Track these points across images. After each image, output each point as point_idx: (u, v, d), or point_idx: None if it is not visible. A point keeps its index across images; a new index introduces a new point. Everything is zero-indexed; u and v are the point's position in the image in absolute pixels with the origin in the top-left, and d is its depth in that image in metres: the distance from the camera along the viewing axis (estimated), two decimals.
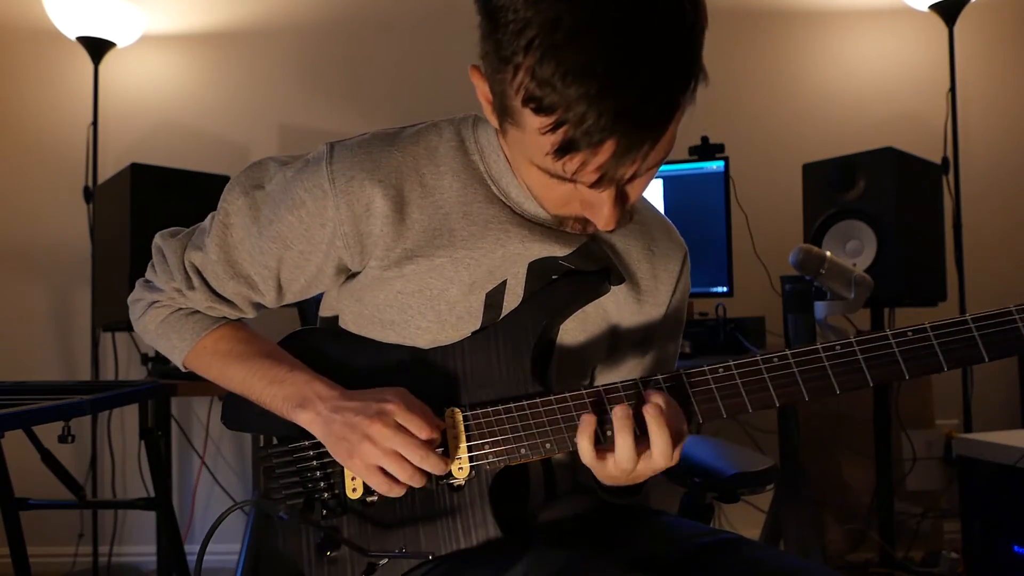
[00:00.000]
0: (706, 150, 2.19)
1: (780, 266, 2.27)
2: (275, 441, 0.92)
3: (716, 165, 2.16)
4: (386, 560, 0.84)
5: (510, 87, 0.69)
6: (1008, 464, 1.90)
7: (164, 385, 1.77)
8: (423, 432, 0.79)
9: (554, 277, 0.87)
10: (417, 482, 0.80)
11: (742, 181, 2.39)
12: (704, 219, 2.12)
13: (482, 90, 0.76)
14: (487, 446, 0.82)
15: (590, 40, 0.64)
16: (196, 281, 0.91)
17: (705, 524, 1.05)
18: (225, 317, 0.96)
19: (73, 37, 2.41)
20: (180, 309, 0.95)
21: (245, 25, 2.67)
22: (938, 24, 2.49)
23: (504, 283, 0.86)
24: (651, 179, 0.78)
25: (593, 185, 0.72)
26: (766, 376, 0.77)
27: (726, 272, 2.10)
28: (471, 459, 0.82)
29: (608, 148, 0.67)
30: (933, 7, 2.44)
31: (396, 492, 0.81)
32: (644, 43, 0.65)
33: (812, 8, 2.72)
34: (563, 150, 0.68)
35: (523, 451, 0.81)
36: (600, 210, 0.76)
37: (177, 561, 1.81)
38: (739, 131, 2.57)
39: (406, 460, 0.79)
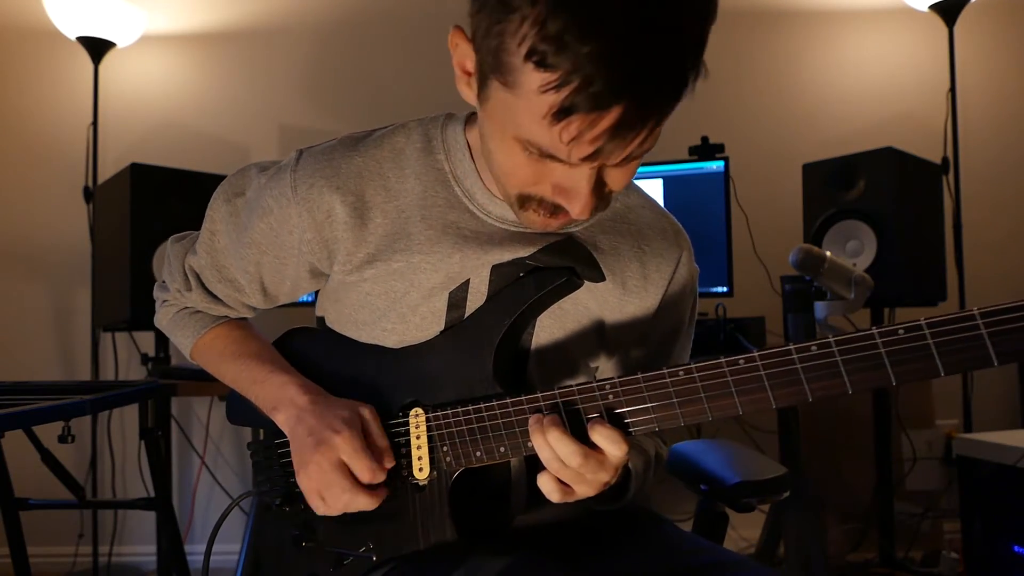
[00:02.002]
0: (706, 150, 2.19)
1: (780, 266, 2.27)
2: (262, 436, 0.97)
3: (716, 165, 2.16)
4: (351, 559, 0.86)
5: (512, 39, 0.63)
6: (1008, 464, 1.90)
7: (164, 385, 1.78)
8: (364, 475, 0.80)
9: (520, 275, 0.84)
10: (352, 510, 0.81)
11: (742, 181, 2.39)
12: (704, 219, 2.12)
13: (462, 53, 0.72)
14: (446, 447, 0.81)
15: None
16: (193, 283, 0.96)
17: (719, 533, 1.04)
18: (226, 316, 1.00)
19: (73, 37, 2.41)
20: (185, 308, 1.00)
21: (245, 25, 2.67)
22: (938, 24, 2.49)
23: (467, 283, 0.85)
24: (633, 173, 0.73)
25: (586, 159, 0.66)
26: (730, 379, 0.69)
27: (726, 272, 2.10)
28: (432, 460, 0.82)
29: (613, 115, 0.62)
30: (933, 7, 2.44)
31: (331, 513, 0.83)
32: (665, 9, 0.61)
33: (812, 8, 2.72)
34: (564, 112, 0.62)
35: (479, 454, 0.80)
36: (576, 195, 0.71)
37: (177, 561, 1.81)
38: (739, 131, 2.57)
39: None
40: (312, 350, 0.95)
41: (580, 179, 0.70)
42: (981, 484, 2.02)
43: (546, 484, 0.74)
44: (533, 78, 0.63)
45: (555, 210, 0.75)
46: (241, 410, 0.98)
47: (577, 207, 0.71)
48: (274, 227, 0.88)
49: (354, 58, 2.69)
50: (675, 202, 2.16)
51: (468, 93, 0.75)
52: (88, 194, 2.50)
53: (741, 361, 0.68)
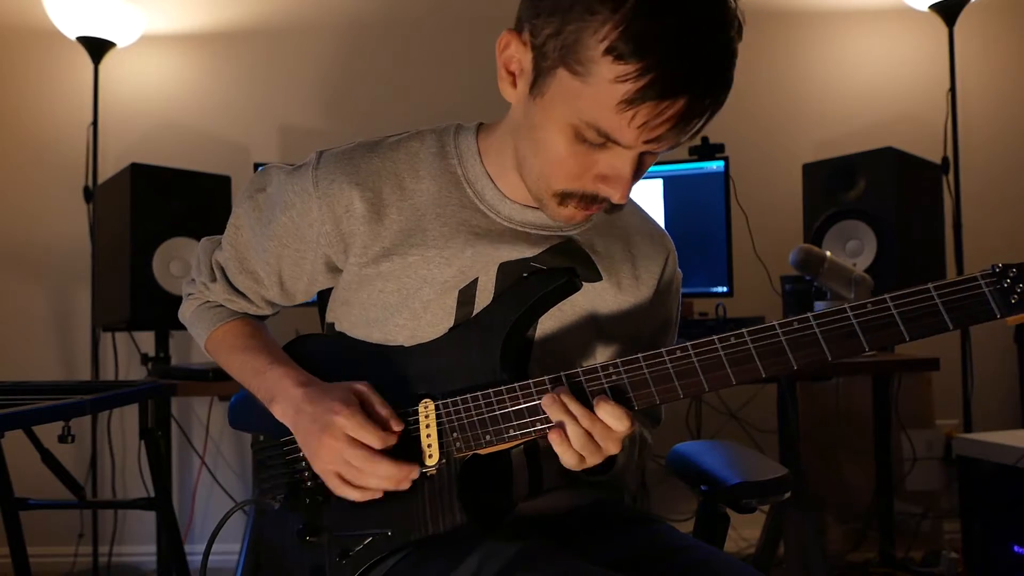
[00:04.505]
0: (706, 150, 2.19)
1: (780, 266, 2.27)
2: (262, 438, 0.99)
3: (716, 165, 2.16)
4: (361, 547, 0.87)
5: (592, 36, 0.72)
6: (1008, 464, 1.90)
7: (164, 385, 1.77)
8: (375, 442, 0.82)
9: (524, 275, 0.90)
10: (386, 484, 0.83)
11: (742, 181, 2.39)
12: (704, 219, 2.12)
13: (511, 54, 0.80)
14: (456, 434, 0.85)
15: (683, 6, 0.71)
16: (218, 275, 1.02)
17: (720, 533, 1.05)
18: (245, 313, 1.04)
19: (73, 37, 2.41)
20: (207, 302, 1.05)
21: (245, 25, 2.67)
22: (938, 24, 2.49)
23: (476, 281, 0.90)
24: (654, 160, 0.82)
25: (648, 142, 0.75)
26: (722, 354, 0.77)
27: (726, 272, 2.10)
28: (441, 447, 0.85)
29: (679, 105, 0.72)
30: (933, 7, 2.44)
31: (355, 496, 0.84)
32: (720, 22, 0.73)
33: (812, 8, 2.72)
34: (637, 99, 0.72)
35: (488, 438, 0.83)
36: (619, 181, 0.79)
37: (177, 561, 1.81)
38: (739, 131, 2.56)
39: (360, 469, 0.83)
40: (321, 353, 0.98)
41: (625, 165, 0.78)
42: (981, 484, 2.02)
43: (563, 452, 0.80)
44: (610, 70, 0.72)
45: (591, 202, 0.83)
46: (243, 415, 1.00)
47: (619, 192, 0.80)
48: (295, 220, 0.92)
49: (355, 59, 2.69)
50: (675, 202, 2.16)
51: (510, 92, 0.83)
52: (88, 194, 2.50)
53: (732, 338, 0.76)
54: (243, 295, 1.01)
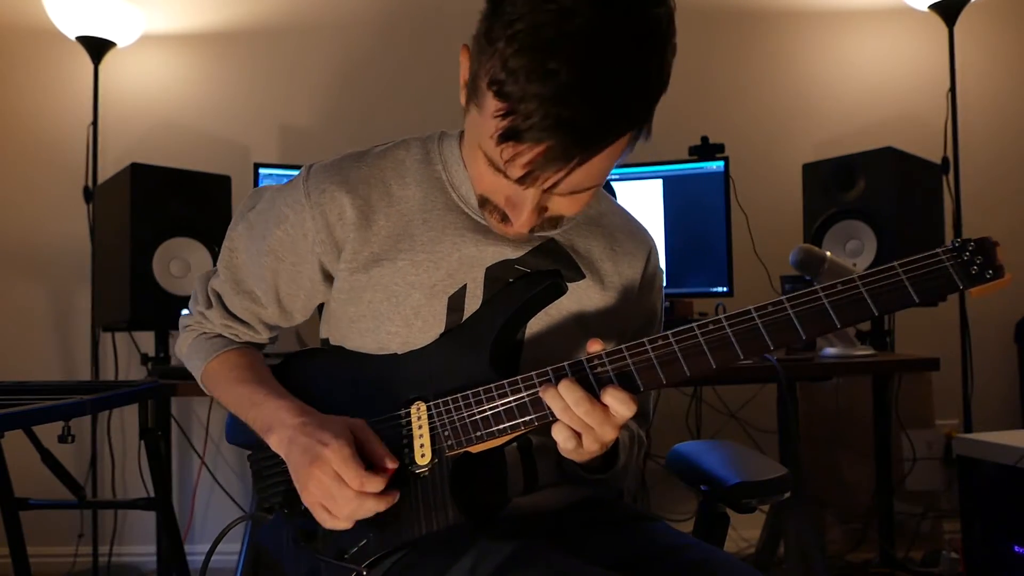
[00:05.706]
0: (706, 150, 2.19)
1: (780, 266, 2.27)
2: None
3: (716, 165, 2.16)
4: (356, 550, 0.88)
5: (484, 67, 0.76)
6: (1008, 464, 1.90)
7: (164, 385, 1.78)
8: (353, 482, 0.81)
9: (510, 280, 0.92)
10: (360, 516, 0.83)
11: (742, 181, 2.39)
12: (704, 219, 2.12)
13: (464, 68, 0.83)
14: (447, 432, 0.86)
15: (565, 54, 0.70)
16: (214, 301, 1.02)
17: (719, 533, 1.06)
18: (244, 341, 1.04)
19: (73, 37, 2.41)
20: (204, 333, 1.05)
21: (245, 25, 2.67)
22: (938, 24, 2.49)
23: (464, 288, 0.92)
24: (582, 202, 0.84)
25: (519, 180, 0.78)
26: (702, 340, 0.79)
27: (726, 272, 2.10)
28: (433, 446, 0.86)
29: (540, 149, 0.74)
30: (933, 7, 2.44)
31: (340, 527, 0.84)
32: (611, 77, 0.72)
33: (812, 8, 2.72)
34: (504, 137, 0.75)
35: (479, 434, 0.84)
36: (520, 210, 0.82)
37: (177, 561, 1.81)
38: (739, 131, 2.57)
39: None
40: (316, 366, 1.00)
41: (524, 198, 0.82)
42: (981, 484, 2.02)
43: (560, 433, 0.81)
44: (491, 103, 0.75)
45: (504, 218, 0.86)
46: (241, 431, 1.01)
47: (518, 220, 0.83)
48: (290, 233, 0.94)
49: (355, 59, 2.69)
50: (675, 202, 2.16)
51: (464, 100, 0.85)
52: (88, 194, 2.50)
53: (710, 325, 0.79)
54: (240, 320, 1.02)
